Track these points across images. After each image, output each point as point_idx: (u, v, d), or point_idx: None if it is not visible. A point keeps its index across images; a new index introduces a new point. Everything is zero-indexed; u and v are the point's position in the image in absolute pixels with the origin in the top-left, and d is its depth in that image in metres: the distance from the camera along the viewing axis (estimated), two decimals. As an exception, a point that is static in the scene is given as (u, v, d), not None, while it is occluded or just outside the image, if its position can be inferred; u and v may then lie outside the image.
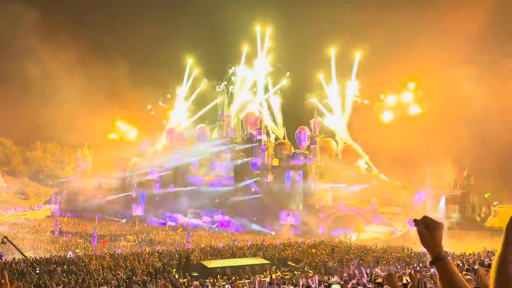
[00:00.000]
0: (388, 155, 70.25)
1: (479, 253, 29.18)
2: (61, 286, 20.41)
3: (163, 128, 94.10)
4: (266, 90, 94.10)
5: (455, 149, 63.69)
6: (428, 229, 2.09)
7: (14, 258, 31.06)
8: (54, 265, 26.75)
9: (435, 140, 66.37)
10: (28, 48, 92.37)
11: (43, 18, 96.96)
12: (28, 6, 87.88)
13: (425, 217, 2.14)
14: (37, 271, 23.69)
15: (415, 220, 2.13)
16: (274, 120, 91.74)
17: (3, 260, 31.58)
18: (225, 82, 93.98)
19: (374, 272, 17.72)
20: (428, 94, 79.15)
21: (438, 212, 62.50)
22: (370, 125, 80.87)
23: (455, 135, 64.21)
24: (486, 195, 66.01)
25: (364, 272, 16.81)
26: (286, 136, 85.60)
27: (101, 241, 46.61)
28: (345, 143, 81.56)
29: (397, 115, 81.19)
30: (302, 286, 13.71)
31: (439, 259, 2.03)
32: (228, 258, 31.57)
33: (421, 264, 24.07)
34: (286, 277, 23.59)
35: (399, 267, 24.25)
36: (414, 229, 2.19)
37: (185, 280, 23.02)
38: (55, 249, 41.69)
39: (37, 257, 32.76)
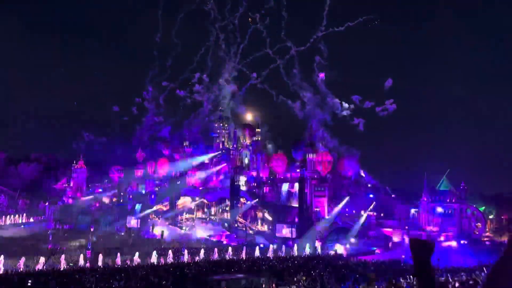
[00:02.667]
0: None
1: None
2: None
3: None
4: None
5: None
6: (420, 249, 2.18)
7: (7, 271, 30.69)
8: (49, 277, 26.42)
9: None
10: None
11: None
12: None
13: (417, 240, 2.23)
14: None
15: (410, 240, 2.23)
16: None
17: None
18: None
19: None
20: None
21: (433, 225, 62.53)
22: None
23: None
24: (481, 209, 66.14)
25: None
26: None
27: (96, 254, 46.09)
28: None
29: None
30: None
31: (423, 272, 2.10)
32: (224, 271, 31.31)
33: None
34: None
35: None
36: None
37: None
38: (49, 262, 41.16)
39: (31, 270, 32.37)
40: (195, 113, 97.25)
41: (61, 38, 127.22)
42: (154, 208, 76.18)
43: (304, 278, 27.89)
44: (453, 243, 56.89)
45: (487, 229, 65.35)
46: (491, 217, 69.45)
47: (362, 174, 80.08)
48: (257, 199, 72.45)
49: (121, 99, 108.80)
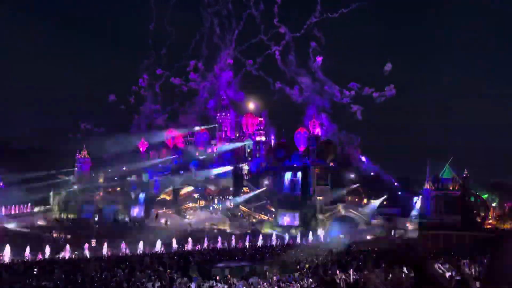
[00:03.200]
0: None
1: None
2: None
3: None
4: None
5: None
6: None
7: (13, 260, 31.06)
8: (54, 266, 26.72)
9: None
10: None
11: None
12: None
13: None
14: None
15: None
16: None
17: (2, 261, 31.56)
18: None
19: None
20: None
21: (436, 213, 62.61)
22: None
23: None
24: (484, 196, 66.15)
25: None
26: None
27: (101, 242, 46.49)
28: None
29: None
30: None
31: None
32: (227, 259, 31.55)
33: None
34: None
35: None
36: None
37: (183, 281, 22.99)
38: (53, 250, 41.57)
39: (36, 259, 32.78)
40: (190, 101, 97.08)
41: (55, 26, 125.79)
42: (158, 197, 76.69)
43: (307, 265, 28.10)
44: (455, 231, 56.92)
45: (490, 217, 65.40)
46: (494, 204, 69.47)
47: (363, 159, 79.94)
48: (260, 188, 72.69)
49: (117, 88, 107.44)
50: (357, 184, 70.48)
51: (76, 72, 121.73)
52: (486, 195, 67.82)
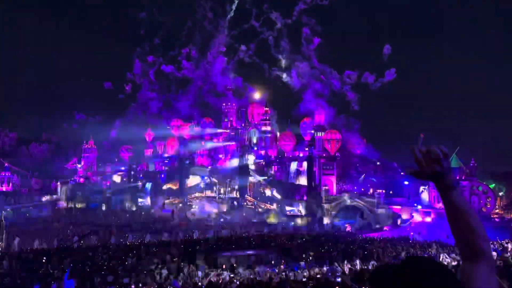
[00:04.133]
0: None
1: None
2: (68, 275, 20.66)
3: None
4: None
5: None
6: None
7: (22, 249, 31.46)
8: (62, 255, 27.05)
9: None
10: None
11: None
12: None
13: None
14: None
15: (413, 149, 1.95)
16: None
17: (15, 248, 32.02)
18: None
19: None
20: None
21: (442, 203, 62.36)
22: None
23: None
24: (491, 186, 65.80)
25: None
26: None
27: (108, 231, 47.01)
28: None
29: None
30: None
31: (453, 186, 1.93)
32: (233, 248, 31.74)
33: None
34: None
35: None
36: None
37: (190, 269, 23.21)
38: (61, 239, 42.09)
39: (44, 247, 33.18)
40: (183, 89, 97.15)
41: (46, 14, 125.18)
42: (164, 187, 77.18)
43: (312, 253, 28.23)
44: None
45: (497, 206, 65.13)
46: (501, 194, 69.15)
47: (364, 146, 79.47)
48: (265, 178, 72.82)
49: (112, 76, 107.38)
50: (363, 175, 70.44)
51: (70, 61, 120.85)
52: (493, 185, 67.46)
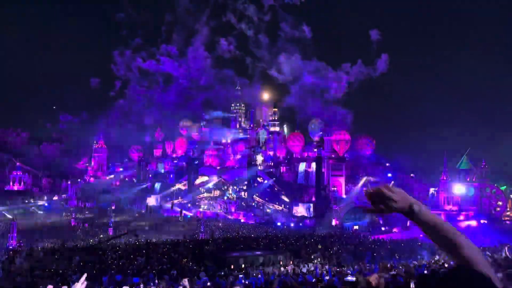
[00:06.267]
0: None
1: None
2: (79, 274, 20.86)
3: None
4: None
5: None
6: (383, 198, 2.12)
7: (31, 247, 31.81)
8: (72, 253, 27.31)
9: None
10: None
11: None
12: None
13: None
14: None
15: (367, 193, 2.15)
16: None
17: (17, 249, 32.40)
18: None
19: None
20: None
21: (452, 205, 61.86)
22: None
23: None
24: (502, 188, 65.02)
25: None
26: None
27: (118, 231, 47.35)
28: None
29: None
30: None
31: (411, 211, 2.05)
32: (242, 248, 31.77)
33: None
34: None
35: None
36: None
37: (198, 269, 23.28)
38: (72, 238, 42.49)
39: (54, 246, 33.52)
40: (164, 85, 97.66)
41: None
42: (173, 187, 77.57)
43: (321, 254, 28.16)
44: (473, 222, 56.30)
45: (508, 208, 64.35)
46: (512, 196, 68.32)
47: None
48: (274, 179, 72.77)
49: (98, 74, 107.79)
50: (370, 178, 69.89)
51: (54, 59, 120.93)
52: (505, 187, 66.66)
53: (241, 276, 18.45)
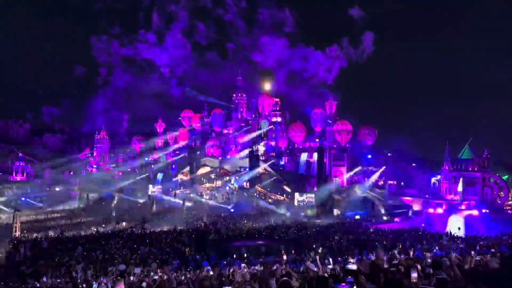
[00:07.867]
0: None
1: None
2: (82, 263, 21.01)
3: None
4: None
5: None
6: None
7: (36, 237, 32.03)
8: (75, 243, 27.50)
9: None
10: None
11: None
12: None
13: None
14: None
15: None
16: None
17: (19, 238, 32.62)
18: None
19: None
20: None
21: (454, 194, 61.90)
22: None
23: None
24: (504, 178, 64.94)
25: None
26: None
27: (120, 221, 47.62)
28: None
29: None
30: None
31: None
32: (244, 238, 31.93)
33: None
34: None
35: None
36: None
37: (201, 258, 23.42)
38: (75, 228, 42.79)
39: (57, 236, 33.76)
40: (146, 73, 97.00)
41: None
42: (175, 177, 77.76)
43: (322, 244, 28.27)
44: (475, 212, 56.37)
45: (510, 198, 64.33)
46: (514, 186, 68.20)
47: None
48: (276, 169, 72.81)
49: (81, 61, 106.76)
50: (372, 167, 69.83)
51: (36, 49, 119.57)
52: (507, 176, 66.57)
53: (243, 265, 18.56)
